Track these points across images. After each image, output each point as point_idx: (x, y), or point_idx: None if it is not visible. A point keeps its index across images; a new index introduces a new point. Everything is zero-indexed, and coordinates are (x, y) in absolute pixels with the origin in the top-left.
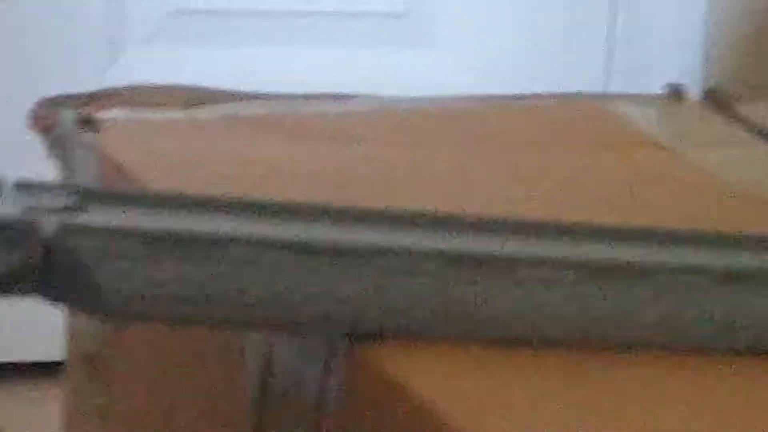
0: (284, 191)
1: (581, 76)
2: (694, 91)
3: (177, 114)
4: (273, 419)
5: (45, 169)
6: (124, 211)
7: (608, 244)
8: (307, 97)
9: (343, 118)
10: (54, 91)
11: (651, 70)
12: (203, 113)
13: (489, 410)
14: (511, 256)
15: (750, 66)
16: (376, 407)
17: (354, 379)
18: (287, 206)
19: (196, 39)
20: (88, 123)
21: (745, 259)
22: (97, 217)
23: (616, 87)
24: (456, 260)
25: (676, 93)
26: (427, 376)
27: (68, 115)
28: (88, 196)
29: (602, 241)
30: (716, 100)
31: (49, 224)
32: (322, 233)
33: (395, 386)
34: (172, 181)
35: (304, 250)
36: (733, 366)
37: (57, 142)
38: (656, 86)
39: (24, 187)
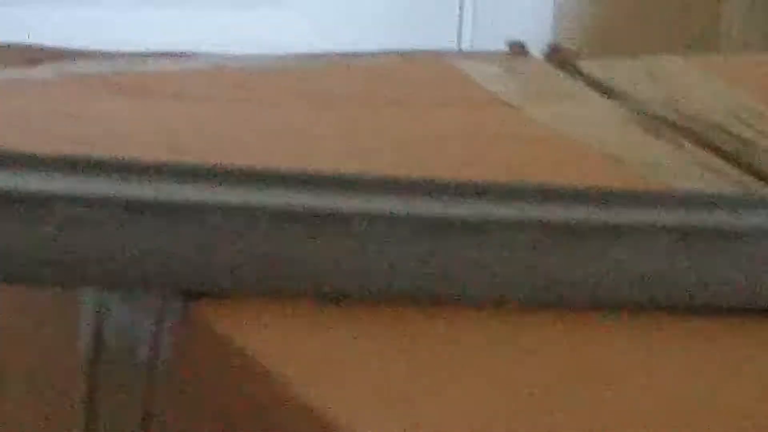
0: (123, 150)
1: (432, 34)
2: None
3: (13, 72)
4: (106, 378)
5: None
6: None
7: (443, 199)
8: (147, 56)
9: (184, 77)
10: None
11: (501, 28)
12: (41, 72)
13: (318, 366)
14: (343, 211)
15: (597, 23)
16: (209, 365)
17: (187, 338)
18: (119, 163)
19: None
20: None
21: (579, 214)
22: None
23: (466, 45)
24: (287, 216)
25: (519, 50)
26: (259, 333)
27: None
28: None
29: (438, 196)
30: (559, 56)
31: None
32: (155, 190)
33: (227, 344)
34: (5, 142)
35: (136, 207)
36: (561, 323)
37: None
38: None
39: None
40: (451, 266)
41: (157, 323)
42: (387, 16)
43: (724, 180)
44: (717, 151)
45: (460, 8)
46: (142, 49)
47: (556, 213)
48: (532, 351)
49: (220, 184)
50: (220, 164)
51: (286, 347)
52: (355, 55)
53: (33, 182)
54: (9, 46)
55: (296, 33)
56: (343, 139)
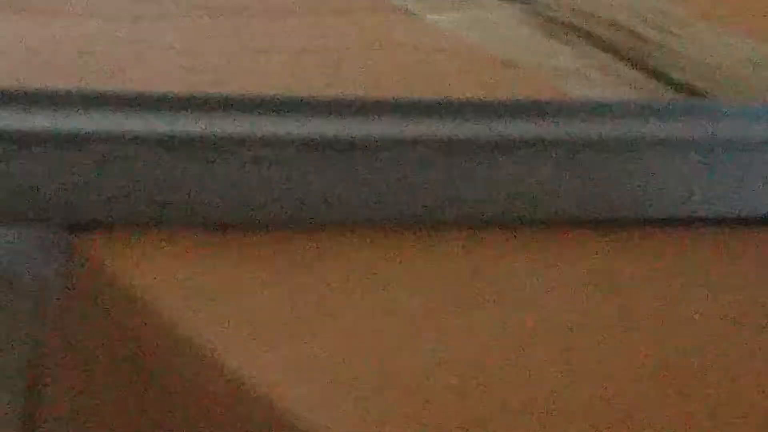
0: (7, 73)
1: None
2: None
3: None
4: None
5: None
6: None
7: (329, 118)
8: None
9: None
10: None
11: None
12: None
13: (201, 300)
14: (228, 135)
15: None
16: (95, 299)
17: (72, 271)
18: None
19: None
20: None
21: (466, 129)
22: None
23: None
24: (171, 143)
25: None
26: (143, 266)
27: None
28: None
29: (324, 115)
30: None
31: None
32: (36, 120)
33: (111, 277)
34: None
35: (16, 138)
36: (450, 244)
37: None
38: None
39: None
40: (338, 188)
41: (41, 256)
42: None
43: (625, 84)
44: (615, 51)
45: None
46: None
47: (442, 128)
48: (421, 276)
49: (102, 110)
50: (101, 89)
51: (170, 280)
52: None
53: None
54: None
55: None
56: (234, 53)
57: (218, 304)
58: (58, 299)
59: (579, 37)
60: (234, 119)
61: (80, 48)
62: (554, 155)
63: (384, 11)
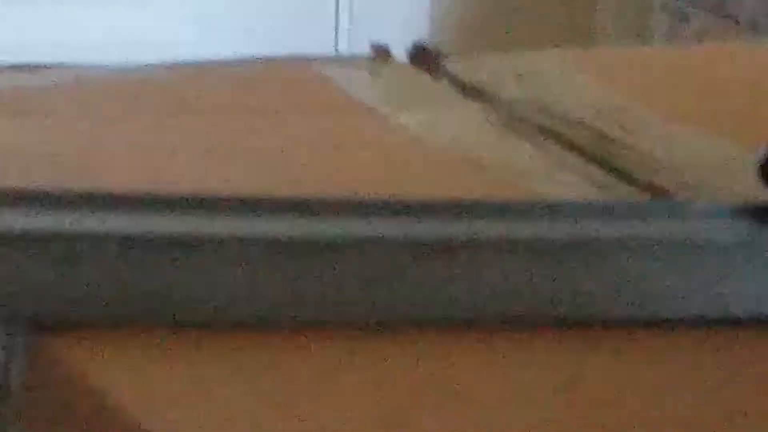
0: None
1: (308, 41)
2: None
3: None
4: None
5: None
6: None
7: (294, 219)
8: (2, 69)
9: (35, 91)
10: None
11: (378, 32)
12: None
13: (166, 401)
14: (193, 234)
15: (475, 22)
16: (58, 398)
17: (36, 369)
18: None
19: None
20: None
21: (434, 229)
22: None
23: (344, 50)
24: (135, 242)
25: (382, 53)
26: (107, 366)
27: None
28: None
29: (291, 215)
30: (422, 57)
31: None
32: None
33: (74, 377)
34: None
35: None
36: (415, 342)
37: None
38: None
39: None
40: (304, 288)
41: (5, 354)
42: (263, 21)
43: (588, 183)
44: (581, 151)
45: (336, 12)
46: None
47: (408, 228)
48: (384, 378)
49: (67, 210)
50: (68, 188)
51: (131, 378)
52: (220, 63)
53: None
54: None
55: (171, 33)
56: (201, 152)
57: (183, 405)
58: (25, 396)
59: (544, 136)
60: (199, 219)
61: (45, 148)
62: (520, 255)
63: (353, 113)
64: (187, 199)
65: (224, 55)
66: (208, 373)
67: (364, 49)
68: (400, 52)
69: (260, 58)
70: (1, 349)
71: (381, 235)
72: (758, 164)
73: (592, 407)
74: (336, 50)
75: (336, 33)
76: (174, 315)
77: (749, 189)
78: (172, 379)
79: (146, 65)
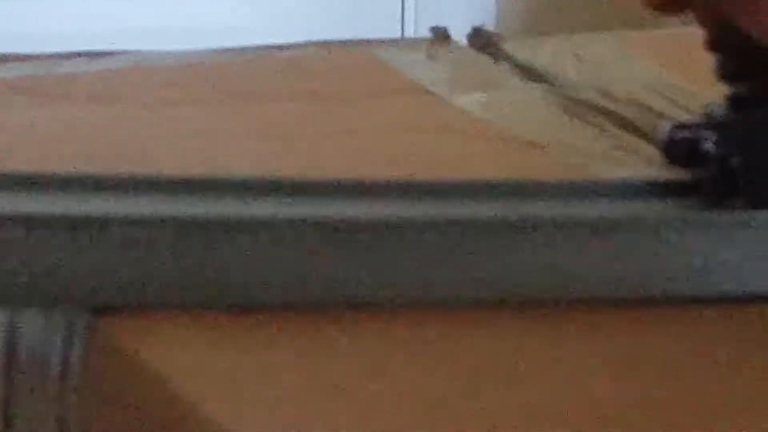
0: (38, 159)
1: (374, 25)
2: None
3: None
4: (19, 394)
5: None
6: None
7: (355, 201)
8: (62, 57)
9: (99, 78)
10: None
11: (444, 16)
12: None
13: (222, 383)
14: (250, 217)
15: (541, 5)
16: (117, 381)
17: (95, 353)
18: (19, 177)
19: None
20: None
21: (490, 209)
22: None
23: (410, 34)
24: (190, 226)
25: (441, 35)
26: (166, 350)
27: None
28: None
29: (349, 198)
30: (481, 40)
31: None
32: (58, 205)
33: (133, 360)
34: None
35: (38, 222)
36: (474, 322)
37: None
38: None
39: None
40: (359, 270)
41: (65, 339)
42: (326, 5)
43: (647, 163)
44: (639, 131)
45: None
46: (61, 46)
47: (467, 209)
48: (435, 358)
49: (126, 195)
50: (126, 173)
51: (191, 363)
52: (278, 48)
53: None
54: None
55: (238, 18)
56: (262, 137)
57: (239, 387)
58: (84, 378)
59: (601, 116)
60: (254, 201)
61: (100, 133)
62: (578, 235)
63: (413, 94)
64: (239, 183)
65: (283, 39)
66: (267, 357)
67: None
68: (462, 36)
69: (318, 43)
70: (62, 333)
71: (440, 216)
72: (661, 144)
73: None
74: (402, 34)
75: (402, 17)
76: (229, 297)
77: None
78: (232, 363)
79: (206, 50)
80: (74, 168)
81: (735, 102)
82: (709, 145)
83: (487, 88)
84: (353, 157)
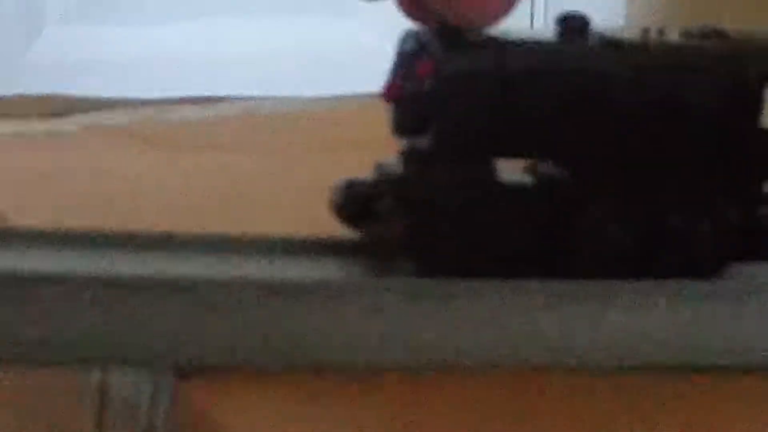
0: (148, 207)
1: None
2: None
3: (37, 125)
4: None
5: None
6: None
7: None
8: (172, 102)
9: (210, 126)
10: None
11: (575, 6)
12: (65, 124)
13: None
14: (335, 281)
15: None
16: None
17: (179, 413)
18: (98, 237)
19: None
20: None
21: None
22: None
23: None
24: (276, 288)
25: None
26: (249, 413)
27: None
28: None
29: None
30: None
31: None
32: (147, 264)
33: (214, 422)
34: (28, 199)
35: (130, 283)
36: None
37: None
38: None
39: None
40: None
41: (151, 398)
42: None
43: None
44: None
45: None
46: (168, 93)
47: None
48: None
49: (209, 255)
50: (209, 233)
51: (269, 429)
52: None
53: (20, 261)
54: (30, 97)
55: (363, 44)
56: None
57: None
58: None
59: None
60: (340, 264)
61: (208, 184)
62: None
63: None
64: (326, 245)
65: None
66: (345, 419)
67: None
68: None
69: None
70: (148, 393)
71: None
72: (335, 205)
73: None
74: (531, 27)
75: (531, 8)
76: (312, 359)
77: None
78: (314, 426)
79: (314, 98)
80: (177, 225)
81: (411, 157)
82: (383, 204)
83: None
84: None
